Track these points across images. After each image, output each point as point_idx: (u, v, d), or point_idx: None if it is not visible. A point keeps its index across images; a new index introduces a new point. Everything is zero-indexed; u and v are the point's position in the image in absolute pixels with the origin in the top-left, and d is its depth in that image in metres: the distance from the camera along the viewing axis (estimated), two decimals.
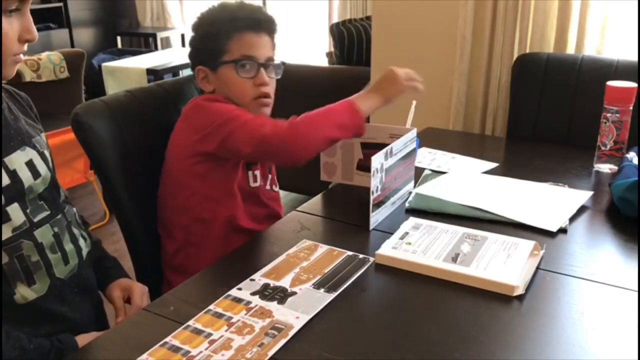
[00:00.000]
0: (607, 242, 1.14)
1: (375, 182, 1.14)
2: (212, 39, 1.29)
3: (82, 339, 1.00)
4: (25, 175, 0.98)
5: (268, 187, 1.39)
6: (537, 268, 1.01)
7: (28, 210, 0.98)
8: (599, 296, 0.94)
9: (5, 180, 0.94)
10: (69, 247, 1.05)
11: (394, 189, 1.24)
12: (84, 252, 1.11)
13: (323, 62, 3.96)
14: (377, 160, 1.13)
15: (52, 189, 1.05)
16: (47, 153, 1.06)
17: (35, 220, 0.99)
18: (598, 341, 0.83)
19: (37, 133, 1.06)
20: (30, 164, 1.00)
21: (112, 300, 1.16)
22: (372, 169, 1.12)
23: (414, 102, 1.40)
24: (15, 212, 0.95)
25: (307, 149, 1.19)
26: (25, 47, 0.95)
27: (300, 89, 2.80)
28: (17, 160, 0.97)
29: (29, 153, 1.00)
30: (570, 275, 0.99)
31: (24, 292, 0.97)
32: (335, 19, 4.61)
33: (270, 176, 1.40)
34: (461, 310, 0.90)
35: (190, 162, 1.26)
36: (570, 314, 0.89)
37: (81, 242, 1.10)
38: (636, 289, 0.94)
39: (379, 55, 2.29)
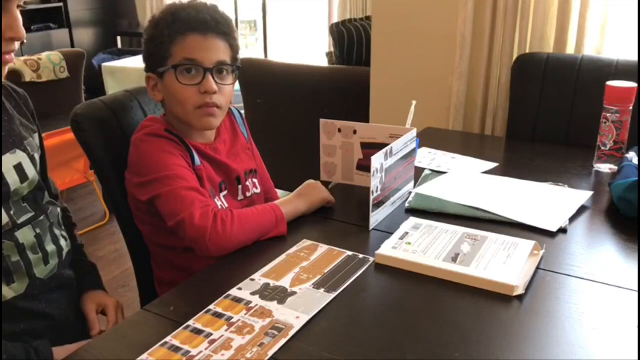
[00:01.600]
0: (607, 242, 1.14)
1: (375, 182, 1.14)
2: (156, 43, 1.19)
3: (60, 352, 1.00)
4: (13, 179, 0.98)
5: (241, 197, 1.32)
6: (537, 268, 1.01)
7: (12, 212, 0.98)
8: (599, 296, 0.94)
9: None
10: (50, 247, 1.06)
11: (394, 189, 1.24)
12: (65, 252, 1.11)
13: (323, 62, 3.96)
14: (377, 160, 1.13)
15: (37, 191, 1.06)
16: (37, 156, 1.06)
17: (19, 221, 0.99)
18: (598, 341, 0.83)
19: (29, 134, 1.06)
20: (19, 168, 1.00)
21: (85, 313, 1.16)
22: (372, 169, 1.11)
23: (414, 102, 1.40)
24: None
25: (224, 249, 1.08)
26: (14, 46, 0.92)
27: (301, 89, 2.80)
28: (6, 163, 0.98)
29: (19, 156, 1.00)
30: (570, 275, 0.99)
31: (3, 291, 0.98)
32: (335, 19, 4.61)
33: (240, 186, 1.31)
34: (461, 310, 0.90)
35: (135, 197, 1.19)
36: (570, 314, 0.89)
37: (62, 242, 1.11)
38: (636, 289, 0.94)
39: (379, 55, 2.29)
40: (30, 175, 1.02)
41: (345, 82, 2.72)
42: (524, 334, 0.85)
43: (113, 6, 5.46)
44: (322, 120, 1.33)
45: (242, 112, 1.42)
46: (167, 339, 0.83)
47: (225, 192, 1.28)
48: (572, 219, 1.19)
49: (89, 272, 1.22)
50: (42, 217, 1.05)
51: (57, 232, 1.09)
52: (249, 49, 5.58)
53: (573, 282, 0.98)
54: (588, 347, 0.82)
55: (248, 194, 1.34)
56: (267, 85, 2.89)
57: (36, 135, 1.10)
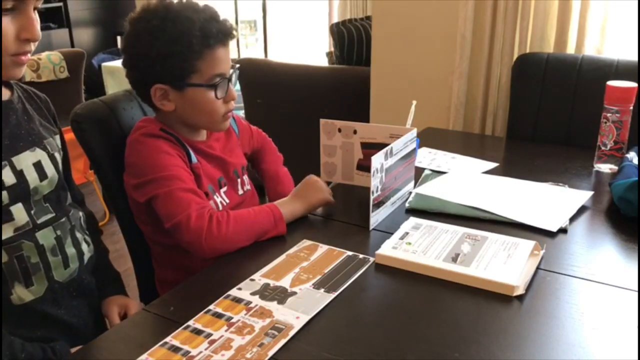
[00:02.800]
0: (607, 242, 1.14)
1: (375, 182, 1.14)
2: (180, 59, 1.13)
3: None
4: (32, 176, 0.98)
5: (241, 191, 1.33)
6: (537, 268, 1.01)
7: (32, 212, 0.98)
8: (599, 296, 0.94)
9: (11, 180, 0.94)
10: (70, 250, 1.04)
11: (394, 189, 1.24)
12: (86, 256, 1.10)
13: (323, 62, 3.96)
14: (377, 160, 1.13)
15: (59, 191, 1.05)
16: (57, 155, 1.06)
17: (39, 221, 0.99)
18: (598, 341, 0.83)
19: (50, 135, 1.06)
20: (38, 165, 0.99)
21: (107, 315, 1.16)
22: (372, 169, 1.11)
23: (414, 102, 1.40)
24: (18, 212, 0.95)
25: (219, 251, 1.08)
26: (29, 47, 0.93)
27: (301, 88, 2.80)
28: (25, 160, 0.97)
29: (38, 154, 1.00)
30: (570, 275, 0.99)
31: (21, 293, 0.97)
32: (336, 19, 4.61)
33: (239, 179, 1.33)
34: (461, 310, 0.90)
35: (134, 198, 1.19)
36: (570, 314, 0.89)
37: (84, 246, 1.10)
38: (636, 289, 0.94)
39: (379, 55, 2.29)
40: (50, 174, 1.01)
41: (345, 82, 2.72)
42: (524, 334, 0.85)
43: (113, 6, 5.46)
44: (322, 120, 1.33)
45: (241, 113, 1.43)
46: (167, 339, 0.83)
47: (225, 188, 1.28)
48: (572, 219, 1.19)
49: (114, 280, 1.22)
50: (63, 219, 1.04)
51: (78, 235, 1.08)
52: (249, 49, 5.58)
53: (573, 282, 0.98)
54: (588, 347, 0.82)
55: (245, 188, 1.35)
56: (267, 85, 2.89)
57: (57, 137, 1.10)
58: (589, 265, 1.03)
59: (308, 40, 5.30)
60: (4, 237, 0.94)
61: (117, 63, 4.35)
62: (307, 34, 5.37)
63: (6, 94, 1.01)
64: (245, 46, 5.56)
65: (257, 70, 2.93)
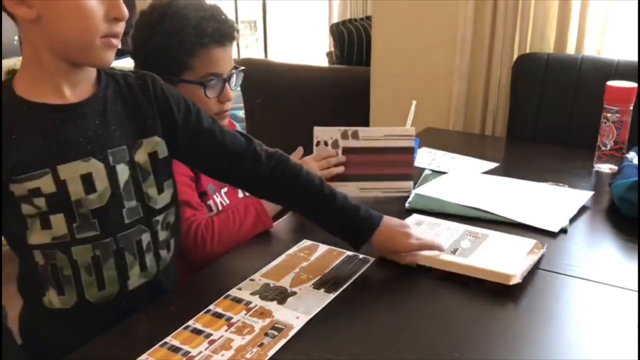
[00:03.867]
0: (607, 242, 1.14)
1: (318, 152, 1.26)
2: (172, 54, 1.14)
3: None
4: (75, 188, 0.89)
5: (241, 194, 1.31)
6: (538, 268, 1.01)
7: (75, 225, 0.90)
8: (599, 296, 0.94)
9: (50, 188, 0.87)
10: (109, 273, 0.94)
11: (373, 175, 1.27)
12: (135, 282, 0.97)
13: (323, 62, 3.96)
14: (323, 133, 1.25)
15: (112, 208, 0.92)
16: (121, 167, 0.93)
17: (79, 236, 0.91)
18: (598, 341, 0.83)
19: (124, 142, 0.93)
20: (86, 177, 0.89)
21: None
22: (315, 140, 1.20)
23: (414, 102, 1.40)
24: (57, 222, 0.89)
25: (204, 262, 1.09)
26: (119, 27, 0.88)
27: (301, 89, 2.80)
28: (72, 170, 0.88)
29: (91, 165, 0.90)
30: (570, 275, 0.99)
31: (52, 298, 0.93)
32: (336, 19, 4.61)
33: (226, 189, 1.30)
34: (461, 310, 0.90)
35: None
36: (570, 314, 0.89)
37: (133, 271, 0.96)
38: (636, 289, 0.94)
39: (379, 55, 2.29)
40: (101, 188, 0.91)
41: (345, 82, 2.72)
42: (523, 334, 0.85)
43: None
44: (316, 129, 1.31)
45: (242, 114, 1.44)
46: (167, 339, 0.83)
47: (225, 189, 1.28)
48: (573, 219, 1.19)
49: None
50: (107, 240, 0.93)
51: (129, 259, 0.95)
52: (249, 49, 5.58)
53: (573, 282, 0.98)
54: (588, 347, 0.82)
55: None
56: (267, 85, 2.89)
57: (146, 141, 0.96)
58: (588, 265, 1.03)
59: (308, 40, 5.30)
60: (41, 242, 0.89)
61: (117, 63, 4.34)
62: (307, 34, 5.37)
63: (87, 92, 0.92)
64: (246, 46, 5.55)
65: (257, 70, 2.93)
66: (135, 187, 0.95)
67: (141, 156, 0.95)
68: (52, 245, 0.90)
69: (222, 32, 1.17)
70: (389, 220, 1.03)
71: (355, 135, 1.27)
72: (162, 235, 1.00)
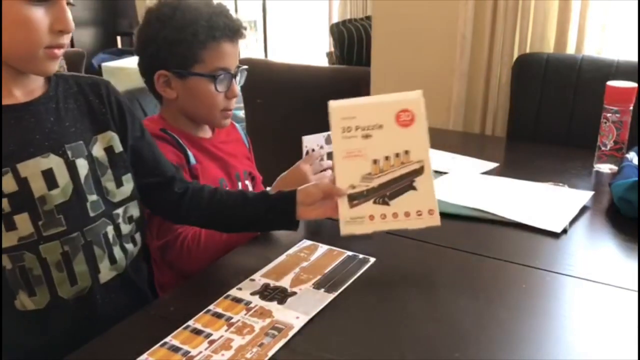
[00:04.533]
0: (607, 242, 1.14)
1: (308, 162, 1.24)
2: (184, 46, 1.16)
3: None
4: (38, 185, 0.90)
5: None
6: (538, 268, 1.00)
7: (40, 223, 0.90)
8: (599, 296, 0.94)
9: (12, 188, 0.88)
10: (80, 268, 0.95)
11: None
12: (106, 275, 0.99)
13: (323, 62, 3.96)
14: (312, 141, 1.24)
15: (75, 202, 0.94)
16: (80, 162, 0.94)
17: (46, 234, 0.91)
18: (598, 341, 0.83)
19: (80, 137, 0.95)
20: (48, 173, 0.91)
21: None
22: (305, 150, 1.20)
23: None
24: (23, 221, 0.89)
25: (187, 272, 1.12)
26: (63, 39, 0.89)
27: (300, 89, 2.80)
28: (33, 167, 0.89)
29: (52, 161, 0.91)
30: (570, 276, 0.99)
31: (24, 300, 0.92)
32: (335, 19, 4.61)
33: (240, 183, 1.34)
34: (461, 310, 0.90)
35: None
36: (570, 314, 0.89)
37: (103, 264, 0.98)
38: (636, 289, 0.94)
39: (379, 55, 2.29)
40: (62, 183, 0.92)
41: (346, 82, 2.72)
42: (524, 333, 0.85)
43: (113, 6, 5.46)
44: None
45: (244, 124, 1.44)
46: (167, 339, 0.83)
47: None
48: (573, 219, 1.19)
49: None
50: (75, 234, 0.94)
51: (98, 252, 0.97)
52: (249, 49, 5.59)
53: (573, 282, 0.98)
54: (588, 347, 0.82)
55: None
56: (267, 85, 2.89)
57: (99, 136, 0.98)
58: (588, 265, 1.03)
59: (308, 40, 5.30)
60: (7, 244, 0.89)
61: (118, 63, 4.35)
62: (307, 34, 5.37)
63: (37, 92, 0.94)
64: (245, 46, 5.56)
65: (257, 70, 2.91)
66: (94, 181, 0.97)
67: (98, 151, 0.98)
68: (19, 247, 0.90)
69: (233, 27, 1.20)
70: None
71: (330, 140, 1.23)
72: (126, 228, 1.02)
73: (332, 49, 3.75)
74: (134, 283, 1.06)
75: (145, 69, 1.24)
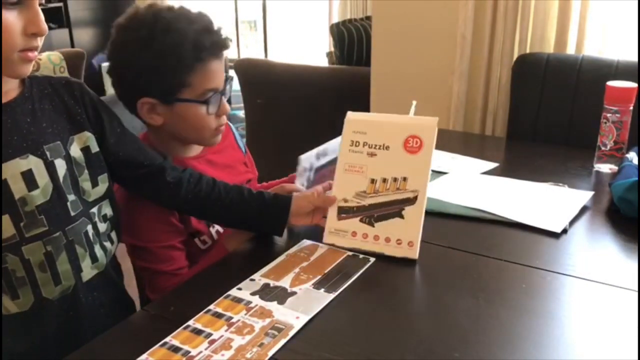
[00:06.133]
0: (607, 242, 1.14)
1: (301, 181, 1.18)
2: (169, 73, 1.07)
3: None
4: (18, 186, 0.90)
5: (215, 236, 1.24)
6: (538, 268, 1.00)
7: (22, 224, 0.90)
8: (599, 296, 0.94)
9: None
10: (63, 267, 0.96)
11: None
12: (87, 274, 1.00)
13: (323, 62, 3.96)
14: (307, 160, 1.18)
15: (56, 202, 0.94)
16: (59, 162, 0.95)
17: (28, 235, 0.91)
18: (598, 341, 0.83)
19: (58, 138, 0.96)
20: (27, 174, 0.91)
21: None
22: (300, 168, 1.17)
23: (414, 103, 1.39)
24: (4, 223, 0.89)
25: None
26: (37, 42, 0.89)
27: (300, 89, 2.80)
28: (12, 169, 0.90)
29: (30, 162, 0.91)
30: (571, 275, 0.99)
31: (7, 304, 0.92)
32: (335, 19, 4.61)
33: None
34: (461, 310, 0.90)
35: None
36: (570, 314, 0.89)
37: (85, 262, 0.99)
38: (636, 289, 0.94)
39: (379, 55, 2.29)
40: (42, 183, 0.92)
41: (345, 82, 2.72)
42: (524, 334, 0.85)
43: (113, 6, 5.45)
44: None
45: (238, 127, 1.38)
46: (167, 339, 0.83)
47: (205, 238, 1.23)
48: (573, 219, 1.19)
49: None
50: (57, 234, 0.94)
51: (80, 250, 0.98)
52: (249, 49, 5.59)
53: (573, 282, 0.98)
54: (588, 347, 0.82)
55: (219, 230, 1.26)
56: (267, 85, 2.89)
57: (75, 137, 0.98)
58: (589, 265, 1.03)
59: (308, 40, 5.30)
60: None
61: None
62: (307, 34, 5.37)
63: (12, 93, 0.94)
64: (246, 46, 5.56)
65: (257, 70, 2.93)
66: (72, 181, 0.97)
67: (75, 151, 0.99)
68: (1, 249, 0.89)
69: (218, 44, 1.12)
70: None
71: (321, 154, 1.22)
72: (102, 227, 1.03)
73: (332, 49, 3.74)
74: (113, 281, 1.08)
75: (124, 95, 1.14)
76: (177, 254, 1.15)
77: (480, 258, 1.05)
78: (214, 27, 1.13)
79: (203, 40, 1.09)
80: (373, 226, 1.03)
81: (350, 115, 1.08)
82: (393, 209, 1.02)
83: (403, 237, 1.01)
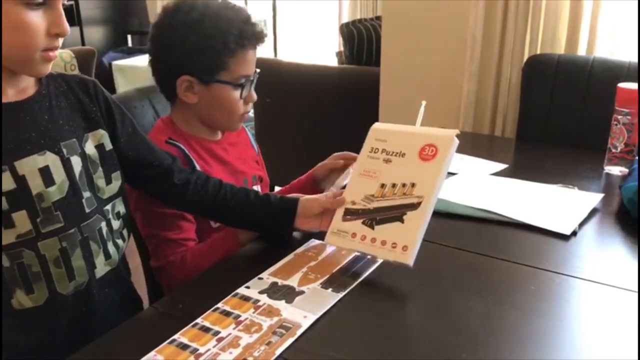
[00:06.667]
0: (617, 244, 1.13)
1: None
2: (213, 54, 1.17)
3: None
4: (35, 182, 0.91)
5: None
6: (547, 270, 1.00)
7: (38, 220, 0.92)
8: (609, 299, 0.93)
9: (10, 185, 0.89)
10: (77, 263, 0.97)
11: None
12: (101, 270, 1.01)
13: (333, 61, 3.96)
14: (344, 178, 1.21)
15: (72, 199, 0.95)
16: (75, 159, 0.96)
17: (44, 230, 0.93)
18: (606, 344, 0.82)
19: (74, 135, 0.97)
20: (44, 170, 0.92)
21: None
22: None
23: (424, 103, 1.39)
24: (21, 219, 0.90)
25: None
26: (58, 42, 0.90)
27: (310, 88, 2.80)
28: (30, 165, 0.91)
29: (48, 158, 0.93)
30: (580, 278, 0.98)
31: (21, 299, 0.93)
32: (345, 19, 4.61)
33: None
34: (469, 311, 0.90)
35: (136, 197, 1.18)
36: (579, 317, 0.89)
37: (99, 259, 1.00)
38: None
39: (389, 55, 2.29)
40: (59, 180, 0.93)
41: (355, 82, 2.72)
42: (532, 336, 0.84)
43: (123, 5, 5.49)
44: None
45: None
46: (175, 336, 0.84)
47: None
48: (582, 221, 1.18)
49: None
50: (72, 230, 0.95)
51: (94, 247, 0.99)
52: (259, 48, 5.61)
53: (582, 284, 0.97)
54: (597, 349, 0.81)
55: None
56: (277, 84, 2.89)
57: (90, 134, 1.00)
58: (598, 267, 1.02)
59: (318, 40, 5.31)
60: (5, 242, 0.90)
61: (128, 61, 4.37)
62: (316, 33, 5.38)
63: (30, 90, 0.95)
64: None
65: (267, 69, 2.91)
66: (87, 178, 0.99)
67: (90, 148, 1.00)
68: (18, 244, 0.91)
69: (258, 35, 1.21)
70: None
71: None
72: (115, 224, 1.05)
73: (342, 49, 3.75)
74: (124, 278, 1.10)
75: (164, 72, 1.23)
76: (187, 225, 1.18)
77: (489, 259, 1.05)
78: (253, 20, 1.23)
79: (247, 29, 1.19)
80: (373, 229, 1.02)
81: (376, 125, 1.11)
82: (395, 213, 1.02)
83: (399, 241, 0.99)
